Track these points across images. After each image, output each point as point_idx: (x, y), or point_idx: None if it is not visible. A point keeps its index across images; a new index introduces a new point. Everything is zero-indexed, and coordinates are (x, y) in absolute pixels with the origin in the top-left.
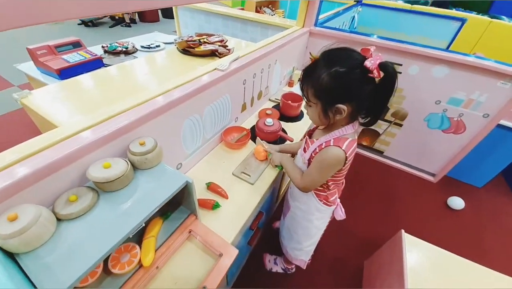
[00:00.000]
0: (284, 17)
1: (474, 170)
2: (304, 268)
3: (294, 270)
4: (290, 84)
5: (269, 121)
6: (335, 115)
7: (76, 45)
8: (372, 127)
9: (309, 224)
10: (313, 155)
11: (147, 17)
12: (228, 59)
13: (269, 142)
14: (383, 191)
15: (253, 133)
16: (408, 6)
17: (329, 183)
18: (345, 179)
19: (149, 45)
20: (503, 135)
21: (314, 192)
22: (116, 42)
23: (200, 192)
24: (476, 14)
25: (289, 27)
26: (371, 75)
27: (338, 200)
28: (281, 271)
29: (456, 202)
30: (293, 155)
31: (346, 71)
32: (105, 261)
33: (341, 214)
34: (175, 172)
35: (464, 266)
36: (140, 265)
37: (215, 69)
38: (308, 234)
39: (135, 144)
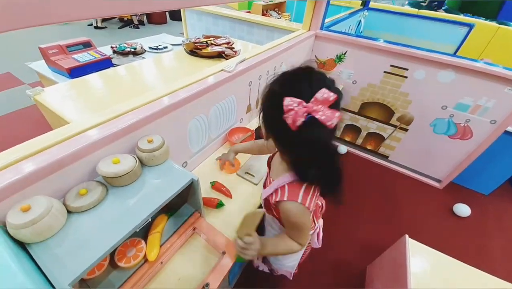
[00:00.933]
0: (290, 21)
1: (481, 177)
2: (291, 278)
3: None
4: None
5: None
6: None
7: (87, 45)
8: (377, 131)
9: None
10: (270, 200)
11: (155, 19)
12: (235, 61)
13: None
14: (387, 196)
15: (258, 135)
16: (415, 11)
17: None
18: (346, 184)
19: (157, 46)
20: (510, 142)
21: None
22: (125, 43)
23: (204, 191)
24: (484, 20)
25: (295, 30)
26: (284, 118)
27: (319, 224)
28: (267, 270)
29: (462, 209)
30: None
31: (272, 94)
32: (112, 255)
33: (316, 242)
34: (181, 169)
35: (468, 273)
36: (145, 259)
37: (221, 70)
38: (290, 257)
39: (143, 141)
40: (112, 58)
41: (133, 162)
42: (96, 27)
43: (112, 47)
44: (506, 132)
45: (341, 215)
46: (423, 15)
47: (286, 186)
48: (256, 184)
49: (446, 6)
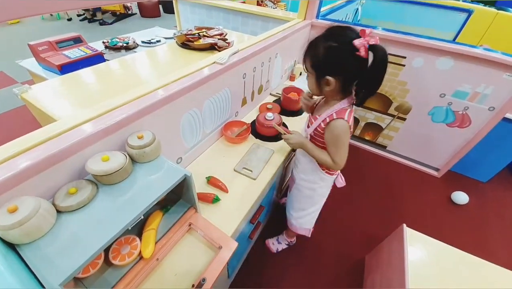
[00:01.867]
0: (286, 10)
1: (479, 164)
2: (309, 236)
3: (295, 241)
4: (292, 78)
5: (269, 115)
6: (324, 86)
7: (77, 40)
8: (375, 122)
9: (313, 192)
10: (318, 130)
11: (148, 12)
12: (228, 53)
13: (269, 137)
14: (386, 185)
15: (254, 128)
16: None
17: None
18: (345, 175)
19: (149, 40)
20: (509, 129)
21: (318, 164)
22: (117, 38)
23: (200, 186)
24: (483, 5)
25: (290, 20)
26: (358, 53)
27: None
28: (285, 246)
29: (460, 197)
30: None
31: (337, 46)
32: (106, 253)
33: (341, 182)
34: (173, 165)
35: (467, 261)
36: (140, 257)
37: (214, 62)
38: (312, 201)
39: (133, 137)
40: (104, 53)
41: (123, 159)
42: (90, 20)
43: (103, 42)
44: (505, 119)
45: (341, 206)
46: (422, 1)
47: (334, 113)
48: (254, 179)
49: None
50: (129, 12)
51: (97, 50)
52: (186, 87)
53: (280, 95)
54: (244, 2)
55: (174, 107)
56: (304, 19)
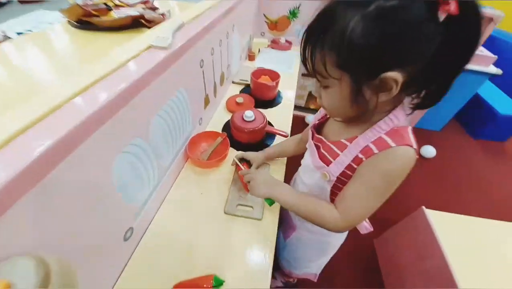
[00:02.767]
0: None
1: (433, 116)
2: (315, 280)
3: (296, 281)
4: (251, 57)
5: (248, 114)
6: (375, 95)
7: None
8: None
9: (323, 245)
10: (353, 165)
11: None
12: (168, 29)
13: (255, 145)
14: None
15: (229, 136)
16: None
17: None
18: None
19: (30, 30)
20: (459, 78)
21: None
22: None
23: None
24: None
25: None
26: (444, 9)
27: None
28: (280, 284)
29: (429, 150)
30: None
31: (402, 5)
32: None
33: (367, 226)
34: None
35: (484, 225)
36: None
37: (149, 46)
38: (324, 252)
39: None
40: None
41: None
42: None
43: None
44: None
45: None
46: None
47: (384, 136)
48: (259, 220)
49: None
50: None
51: None
52: (107, 105)
53: (245, 82)
54: None
55: (86, 153)
56: None
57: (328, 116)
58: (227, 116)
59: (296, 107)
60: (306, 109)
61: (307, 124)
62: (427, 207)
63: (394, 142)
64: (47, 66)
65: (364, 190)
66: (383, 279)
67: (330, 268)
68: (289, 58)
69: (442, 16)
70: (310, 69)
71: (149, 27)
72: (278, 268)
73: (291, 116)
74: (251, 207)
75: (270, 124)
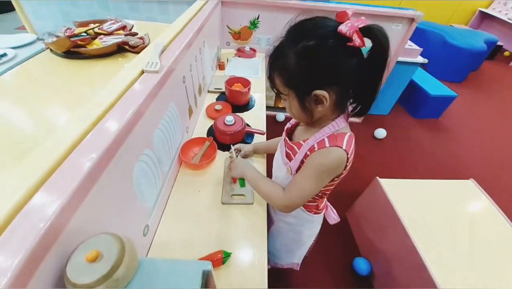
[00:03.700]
0: None
1: (381, 102)
2: (298, 269)
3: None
4: (221, 66)
5: (229, 119)
6: (316, 106)
7: None
8: None
9: (299, 235)
10: (304, 161)
11: None
12: (154, 53)
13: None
14: None
15: (214, 139)
16: None
17: (320, 193)
18: None
19: None
20: (398, 69)
21: (302, 205)
22: None
23: (194, 250)
24: None
25: None
26: (351, 44)
27: (327, 201)
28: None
29: (381, 132)
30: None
31: (317, 44)
32: None
33: (334, 217)
34: (169, 264)
35: (427, 185)
36: None
37: (142, 72)
38: (300, 242)
39: (78, 265)
40: None
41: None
42: None
43: None
44: (396, 62)
45: None
46: None
47: (326, 138)
48: (251, 204)
49: None
50: None
51: None
52: (126, 124)
53: (220, 90)
54: None
55: (118, 163)
56: None
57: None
58: (209, 122)
59: (267, 107)
60: (275, 108)
61: (278, 121)
62: (382, 177)
63: (329, 143)
64: (65, 96)
65: (302, 178)
66: (359, 250)
67: (315, 250)
68: (255, 64)
69: (351, 49)
70: (271, 86)
71: (133, 52)
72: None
73: (265, 116)
74: (244, 195)
75: (248, 125)
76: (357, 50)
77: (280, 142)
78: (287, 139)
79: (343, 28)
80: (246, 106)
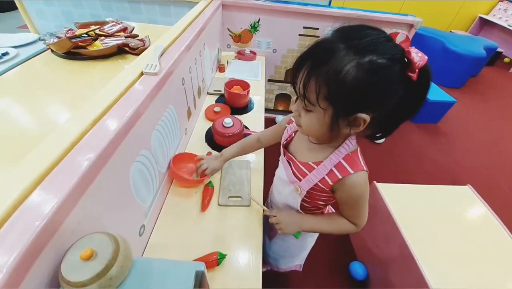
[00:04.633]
0: None
1: None
2: (301, 270)
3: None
4: (221, 69)
5: (227, 121)
6: (347, 128)
7: None
8: (286, 92)
9: (304, 241)
10: (321, 186)
11: None
12: (152, 55)
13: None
14: None
15: (212, 141)
16: None
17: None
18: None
19: None
20: None
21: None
22: None
23: (189, 251)
24: None
25: (196, 1)
26: (411, 74)
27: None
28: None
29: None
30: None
31: (387, 64)
32: None
33: None
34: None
35: (424, 190)
36: None
37: (141, 74)
38: (303, 247)
39: (71, 263)
40: None
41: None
42: None
43: None
44: None
45: None
46: None
47: (343, 161)
48: (248, 206)
49: None
50: None
51: None
52: (124, 125)
53: (219, 92)
54: None
55: (115, 163)
56: None
57: (293, 135)
58: (208, 124)
59: (266, 110)
60: (275, 110)
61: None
62: (379, 182)
63: (351, 168)
64: (65, 97)
65: (355, 209)
66: (355, 254)
67: (313, 254)
68: (255, 67)
69: (406, 79)
70: (299, 93)
71: (133, 53)
72: (264, 264)
73: (263, 119)
74: (240, 197)
75: (246, 127)
76: (409, 80)
77: (280, 158)
78: (292, 157)
79: (415, 56)
80: (245, 108)
